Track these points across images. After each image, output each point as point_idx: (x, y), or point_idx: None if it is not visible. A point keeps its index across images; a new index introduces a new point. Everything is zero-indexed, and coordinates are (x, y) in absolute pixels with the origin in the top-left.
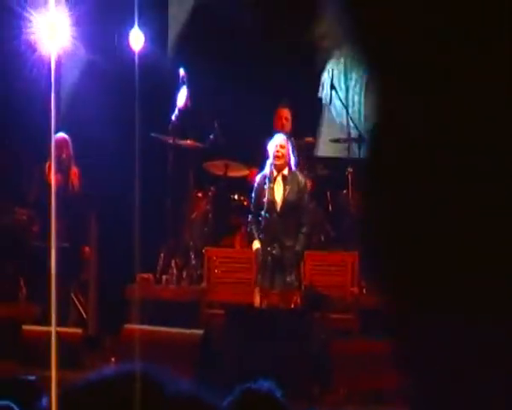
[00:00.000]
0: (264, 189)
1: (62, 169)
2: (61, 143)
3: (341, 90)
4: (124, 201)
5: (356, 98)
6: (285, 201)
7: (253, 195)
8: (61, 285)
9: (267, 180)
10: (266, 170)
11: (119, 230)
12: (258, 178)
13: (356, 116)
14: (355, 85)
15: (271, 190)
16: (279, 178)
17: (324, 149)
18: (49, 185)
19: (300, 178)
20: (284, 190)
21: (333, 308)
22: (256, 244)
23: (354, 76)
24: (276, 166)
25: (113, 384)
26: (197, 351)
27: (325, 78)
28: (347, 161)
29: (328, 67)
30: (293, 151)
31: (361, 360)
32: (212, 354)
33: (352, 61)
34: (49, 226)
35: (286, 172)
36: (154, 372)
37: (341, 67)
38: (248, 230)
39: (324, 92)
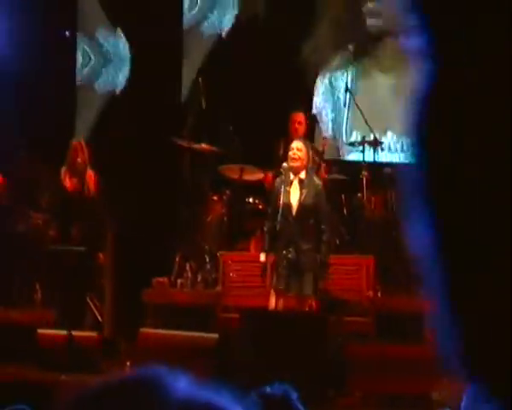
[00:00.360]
0: (280, 192)
1: (77, 173)
2: (75, 148)
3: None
4: (140, 205)
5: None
6: (301, 204)
7: (271, 198)
8: (77, 289)
9: (283, 184)
10: (284, 172)
11: (135, 234)
12: (276, 180)
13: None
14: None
15: (287, 193)
16: (295, 182)
17: (342, 152)
18: (65, 190)
19: (317, 181)
20: (301, 193)
21: (348, 312)
22: (262, 256)
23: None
24: (292, 168)
25: (130, 389)
26: (212, 355)
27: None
28: (362, 164)
29: (336, 73)
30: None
31: (376, 363)
32: (228, 357)
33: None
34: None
35: (303, 175)
36: (169, 377)
37: (354, 70)
38: (266, 236)
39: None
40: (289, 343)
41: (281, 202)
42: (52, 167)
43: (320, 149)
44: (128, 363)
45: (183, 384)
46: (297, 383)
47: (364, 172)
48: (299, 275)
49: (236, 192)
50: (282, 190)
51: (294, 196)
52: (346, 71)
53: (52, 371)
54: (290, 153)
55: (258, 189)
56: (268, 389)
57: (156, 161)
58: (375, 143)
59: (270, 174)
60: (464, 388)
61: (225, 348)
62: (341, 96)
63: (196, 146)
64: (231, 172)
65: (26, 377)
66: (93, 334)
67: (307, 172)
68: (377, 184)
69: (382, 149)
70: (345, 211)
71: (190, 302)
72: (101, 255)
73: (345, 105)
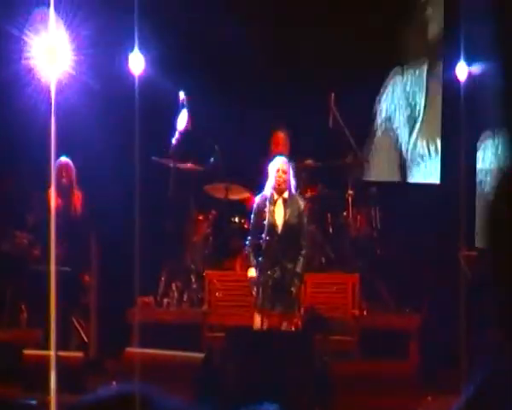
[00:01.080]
0: (264, 211)
1: (64, 193)
2: (61, 168)
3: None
4: (125, 224)
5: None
6: (286, 223)
7: (252, 216)
8: (62, 309)
9: (267, 202)
10: (266, 192)
11: (119, 253)
12: (257, 199)
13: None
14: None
15: (272, 212)
16: (279, 201)
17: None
18: (50, 210)
19: (300, 201)
20: (285, 213)
21: (334, 330)
22: (251, 272)
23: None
24: (276, 189)
25: (108, 405)
26: (198, 374)
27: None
28: (348, 182)
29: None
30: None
31: (362, 381)
32: (214, 376)
33: None
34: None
35: (286, 195)
36: (148, 392)
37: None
38: (247, 253)
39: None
40: (275, 362)
41: (266, 221)
42: (38, 186)
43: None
44: (114, 382)
45: (161, 399)
46: (283, 401)
47: (350, 191)
48: (283, 293)
49: (222, 212)
50: (267, 209)
51: (279, 215)
52: None
53: (38, 391)
54: (276, 175)
55: (243, 208)
56: (258, 408)
57: (141, 181)
58: (360, 162)
59: (252, 196)
60: (448, 405)
61: (211, 366)
62: None
63: (181, 165)
64: (217, 191)
65: (11, 397)
66: (79, 354)
67: (290, 192)
68: (363, 203)
69: (368, 168)
70: (330, 229)
71: (176, 321)
72: (86, 277)
73: (330, 124)
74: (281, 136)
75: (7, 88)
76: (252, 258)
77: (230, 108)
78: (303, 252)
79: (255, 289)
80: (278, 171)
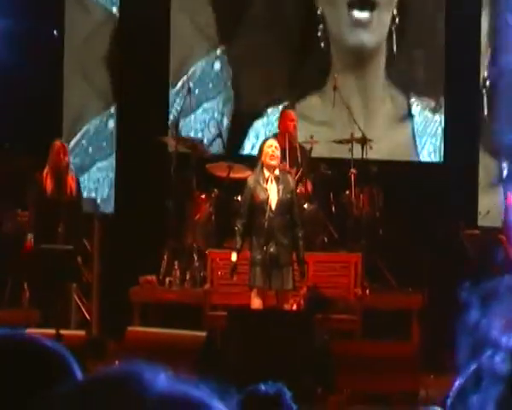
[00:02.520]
0: (256, 189)
1: (60, 175)
2: (59, 149)
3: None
4: (127, 203)
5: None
6: (280, 200)
7: (242, 197)
8: (63, 288)
9: (260, 180)
10: (258, 171)
11: (122, 232)
12: (249, 179)
13: (359, 117)
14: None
15: (265, 189)
16: (272, 178)
17: (327, 149)
18: (47, 191)
19: (290, 178)
20: (278, 189)
21: (336, 309)
22: (233, 256)
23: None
24: (269, 166)
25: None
26: (201, 353)
27: None
28: (350, 161)
29: None
30: (304, 154)
31: (364, 361)
32: (216, 355)
33: None
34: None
35: (277, 172)
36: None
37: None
38: (236, 232)
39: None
40: (277, 341)
41: (259, 198)
42: (37, 164)
43: (308, 147)
44: (116, 362)
45: (162, 379)
46: (285, 381)
47: (352, 170)
48: (279, 270)
49: (224, 191)
50: (260, 187)
51: (272, 191)
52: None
53: None
54: (269, 150)
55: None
56: (262, 388)
57: (142, 159)
58: (364, 141)
59: None
60: (451, 385)
61: (213, 346)
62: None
63: (184, 144)
64: (219, 170)
65: None
66: (81, 333)
67: (280, 170)
68: (365, 182)
69: (371, 147)
70: (333, 208)
71: (178, 301)
72: (88, 253)
73: (333, 104)
74: (292, 115)
75: (9, 71)
76: (238, 239)
77: (232, 86)
78: (300, 233)
79: (254, 268)
80: (270, 146)
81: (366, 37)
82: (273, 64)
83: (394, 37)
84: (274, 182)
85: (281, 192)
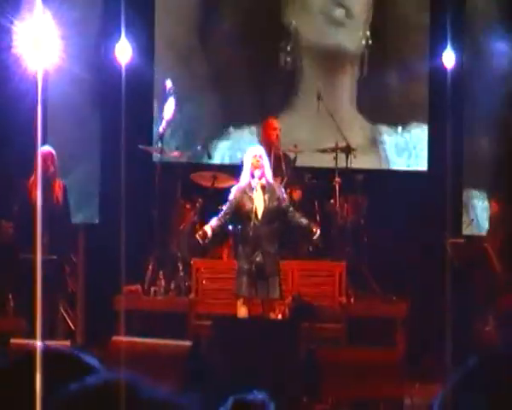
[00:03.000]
0: (243, 198)
1: (46, 182)
2: (46, 157)
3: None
4: (111, 212)
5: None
6: (266, 209)
7: (227, 204)
8: (48, 297)
9: (246, 190)
10: (243, 181)
11: (106, 241)
12: (234, 189)
13: (344, 126)
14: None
15: (252, 199)
16: (258, 187)
17: (311, 158)
18: (32, 200)
19: (277, 186)
20: (264, 198)
21: (321, 318)
22: (207, 227)
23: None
24: (253, 175)
25: (92, 393)
26: (185, 362)
27: None
28: (335, 170)
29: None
30: (288, 163)
31: (349, 369)
32: (200, 364)
33: None
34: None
35: (264, 181)
36: (132, 380)
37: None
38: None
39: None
40: (262, 350)
41: (245, 207)
42: (23, 174)
43: (292, 156)
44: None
45: (150, 389)
46: (270, 389)
47: (337, 179)
48: (265, 279)
49: (209, 200)
50: (246, 196)
51: (258, 200)
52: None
53: None
54: (253, 160)
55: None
56: (246, 396)
57: (128, 169)
58: (348, 150)
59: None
60: (435, 393)
61: (198, 355)
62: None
63: (168, 153)
64: (204, 179)
65: None
66: (65, 342)
67: (267, 179)
68: (350, 191)
69: (354, 156)
70: (318, 217)
71: (163, 310)
72: (72, 263)
73: (318, 111)
74: (275, 123)
75: None
76: (207, 227)
77: (219, 96)
78: (303, 220)
79: (241, 277)
80: (255, 156)
81: (342, 37)
82: (237, 84)
83: (366, 57)
84: (260, 190)
85: (267, 201)
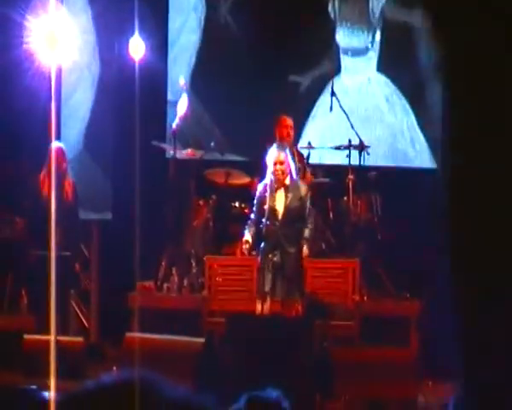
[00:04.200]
0: (265, 197)
1: (57, 179)
2: (57, 153)
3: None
4: (125, 209)
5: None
6: (287, 208)
7: (254, 203)
8: (62, 294)
9: (268, 189)
10: (267, 179)
11: (120, 238)
12: (259, 187)
13: (357, 123)
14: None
15: (273, 198)
16: (281, 187)
17: (325, 156)
18: (43, 196)
19: (301, 185)
20: (286, 198)
21: (334, 316)
22: (247, 235)
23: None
24: (276, 174)
25: (111, 391)
26: (199, 359)
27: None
28: (348, 168)
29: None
30: (293, 160)
31: (362, 367)
32: (214, 362)
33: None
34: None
35: (287, 181)
36: (151, 379)
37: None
38: (247, 227)
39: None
40: (275, 348)
41: (267, 206)
42: (36, 171)
43: (305, 153)
44: (114, 368)
45: (165, 386)
46: (283, 387)
47: (350, 176)
48: (284, 279)
49: (222, 197)
50: (268, 194)
51: (280, 200)
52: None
53: (38, 377)
54: (273, 169)
55: (244, 193)
56: (260, 394)
57: (141, 165)
58: (361, 147)
59: (256, 180)
60: (449, 392)
61: (211, 352)
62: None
63: (182, 150)
64: (217, 176)
65: (12, 383)
66: (79, 339)
67: (291, 178)
68: (363, 188)
69: (368, 153)
70: (331, 215)
71: (176, 307)
72: (86, 260)
73: (330, 109)
74: (288, 121)
75: (7, 73)
76: (248, 231)
77: (233, 92)
78: (306, 234)
79: (260, 275)
80: (276, 164)
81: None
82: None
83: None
84: (283, 190)
85: (289, 200)
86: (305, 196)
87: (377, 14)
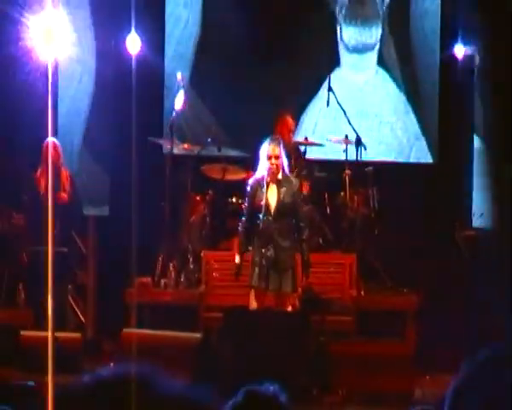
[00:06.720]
0: (257, 192)
1: (55, 174)
2: (55, 147)
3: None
4: (122, 204)
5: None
6: (280, 203)
7: (246, 199)
8: (59, 290)
9: (261, 183)
10: (259, 174)
11: (117, 233)
12: (251, 181)
13: (353, 118)
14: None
15: (266, 193)
16: (273, 181)
17: (321, 150)
18: (40, 192)
19: (294, 180)
20: (278, 192)
21: (331, 310)
22: (237, 259)
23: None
24: (269, 168)
25: (108, 386)
26: (196, 354)
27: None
28: (344, 162)
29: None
30: (287, 156)
31: (359, 361)
32: (211, 356)
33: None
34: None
35: (280, 176)
36: (148, 373)
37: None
38: (239, 235)
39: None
40: (272, 342)
41: (260, 201)
42: (29, 165)
43: (302, 148)
44: (111, 363)
45: (162, 381)
46: (280, 381)
47: (347, 171)
48: (277, 273)
49: (219, 192)
50: (260, 190)
51: (272, 195)
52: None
53: (35, 372)
54: (267, 163)
55: (240, 188)
56: (258, 388)
57: (137, 161)
58: (358, 142)
59: (253, 174)
60: (446, 385)
61: (208, 347)
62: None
63: (178, 145)
64: (214, 171)
65: (9, 378)
66: (76, 335)
67: (283, 173)
68: (360, 183)
69: (365, 148)
70: (328, 210)
71: (173, 302)
72: (83, 255)
73: (327, 104)
74: (290, 121)
75: (4, 69)
76: (241, 241)
77: (229, 88)
78: (304, 236)
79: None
80: (271, 158)
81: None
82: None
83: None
84: (275, 185)
85: (282, 195)
86: (298, 192)
87: (382, 10)
